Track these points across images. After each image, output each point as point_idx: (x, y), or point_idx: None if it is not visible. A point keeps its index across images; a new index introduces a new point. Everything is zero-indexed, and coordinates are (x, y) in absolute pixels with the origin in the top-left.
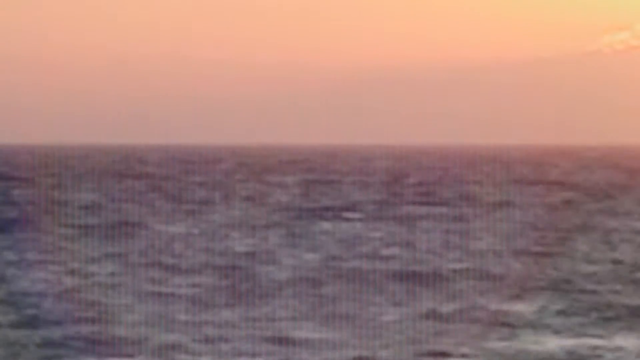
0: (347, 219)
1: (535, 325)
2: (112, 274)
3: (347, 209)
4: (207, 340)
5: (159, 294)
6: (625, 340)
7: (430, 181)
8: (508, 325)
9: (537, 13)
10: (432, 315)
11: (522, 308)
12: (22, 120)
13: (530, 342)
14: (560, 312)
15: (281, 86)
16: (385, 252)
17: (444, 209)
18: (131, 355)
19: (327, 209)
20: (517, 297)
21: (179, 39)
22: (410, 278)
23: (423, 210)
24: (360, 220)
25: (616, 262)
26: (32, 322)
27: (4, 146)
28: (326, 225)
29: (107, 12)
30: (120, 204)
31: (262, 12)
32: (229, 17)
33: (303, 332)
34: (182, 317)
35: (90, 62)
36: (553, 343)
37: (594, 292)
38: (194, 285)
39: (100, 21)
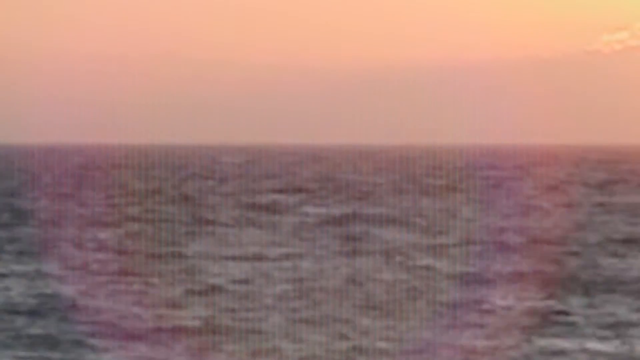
0: (380, 223)
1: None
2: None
3: (372, 212)
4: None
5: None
6: None
7: (435, 179)
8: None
9: (537, 13)
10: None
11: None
12: (21, 120)
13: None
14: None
15: (281, 86)
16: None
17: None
18: None
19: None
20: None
21: (178, 39)
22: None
23: (432, 208)
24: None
25: None
26: None
27: (5, 146)
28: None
29: (106, 12)
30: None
31: (262, 12)
32: (228, 18)
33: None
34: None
35: (90, 62)
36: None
37: None
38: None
39: (99, 21)
